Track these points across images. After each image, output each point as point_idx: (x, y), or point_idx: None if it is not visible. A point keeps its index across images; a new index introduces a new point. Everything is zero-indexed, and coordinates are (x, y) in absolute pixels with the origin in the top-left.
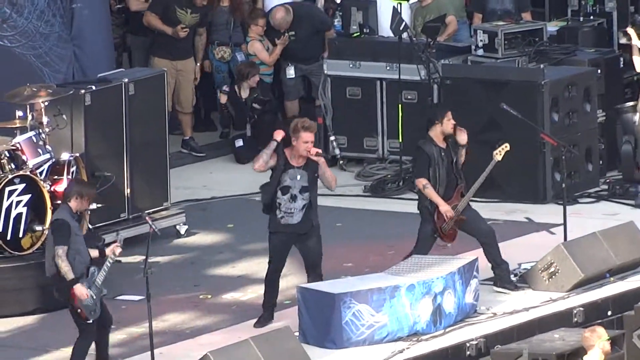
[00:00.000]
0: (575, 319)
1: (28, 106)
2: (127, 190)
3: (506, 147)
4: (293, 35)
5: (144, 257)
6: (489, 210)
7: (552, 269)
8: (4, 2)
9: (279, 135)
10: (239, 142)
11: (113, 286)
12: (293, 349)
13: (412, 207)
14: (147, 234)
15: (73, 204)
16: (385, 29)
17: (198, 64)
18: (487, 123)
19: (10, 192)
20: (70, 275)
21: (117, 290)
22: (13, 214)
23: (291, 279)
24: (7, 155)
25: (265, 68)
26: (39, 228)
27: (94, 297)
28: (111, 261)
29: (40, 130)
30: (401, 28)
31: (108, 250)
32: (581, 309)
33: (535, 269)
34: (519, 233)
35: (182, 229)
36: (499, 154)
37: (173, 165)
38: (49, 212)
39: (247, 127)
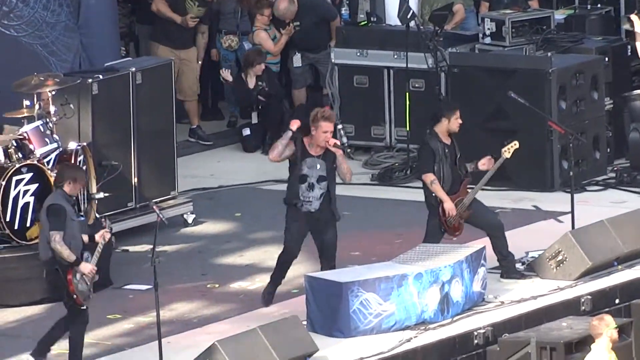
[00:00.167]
0: (583, 307)
1: (35, 95)
2: (135, 180)
3: (515, 145)
4: (298, 26)
5: (151, 247)
6: (497, 199)
7: (560, 257)
8: None
9: (294, 125)
10: (246, 131)
11: (120, 275)
12: (301, 338)
13: (419, 195)
14: (155, 223)
15: (67, 188)
16: (392, 17)
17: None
18: (494, 111)
19: (18, 182)
20: (72, 257)
21: (125, 280)
22: (20, 203)
23: (298, 268)
24: (15, 144)
25: (272, 57)
26: None
27: (88, 283)
28: (102, 247)
29: (48, 120)
30: (408, 16)
31: (98, 236)
32: (589, 297)
33: (543, 257)
34: (527, 221)
35: (190, 218)
36: (507, 152)
37: (180, 154)
38: None
39: (253, 115)
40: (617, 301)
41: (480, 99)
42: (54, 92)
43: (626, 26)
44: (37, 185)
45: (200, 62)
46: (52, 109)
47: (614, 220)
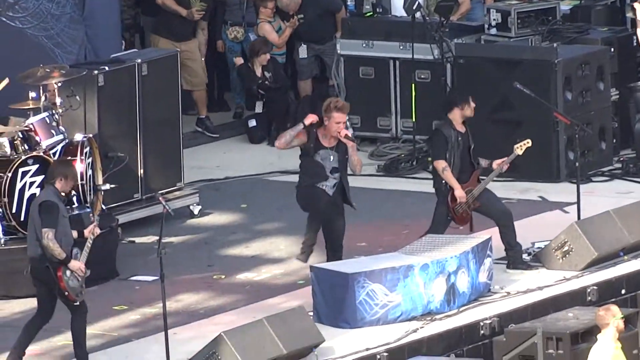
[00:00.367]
0: (589, 298)
1: (41, 87)
2: (141, 171)
3: (528, 143)
4: (302, 18)
5: (157, 238)
6: (503, 190)
7: (566, 248)
8: None
9: (308, 119)
10: (252, 122)
11: (127, 267)
12: (307, 329)
13: (425, 186)
14: (161, 214)
15: (58, 185)
16: (398, 8)
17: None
18: (500, 102)
19: (24, 173)
20: (63, 255)
21: (131, 271)
22: (26, 195)
23: None
24: (21, 136)
25: (278, 48)
26: None
27: (79, 279)
28: (91, 242)
29: (54, 111)
30: (414, 7)
31: (87, 231)
32: (595, 287)
33: (549, 248)
34: (533, 212)
35: (196, 209)
36: (520, 148)
37: (186, 145)
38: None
39: (257, 104)
40: (623, 291)
41: (486, 89)
42: (59, 84)
43: (630, 14)
44: (43, 177)
45: (203, 59)
46: (58, 100)
47: (620, 210)
